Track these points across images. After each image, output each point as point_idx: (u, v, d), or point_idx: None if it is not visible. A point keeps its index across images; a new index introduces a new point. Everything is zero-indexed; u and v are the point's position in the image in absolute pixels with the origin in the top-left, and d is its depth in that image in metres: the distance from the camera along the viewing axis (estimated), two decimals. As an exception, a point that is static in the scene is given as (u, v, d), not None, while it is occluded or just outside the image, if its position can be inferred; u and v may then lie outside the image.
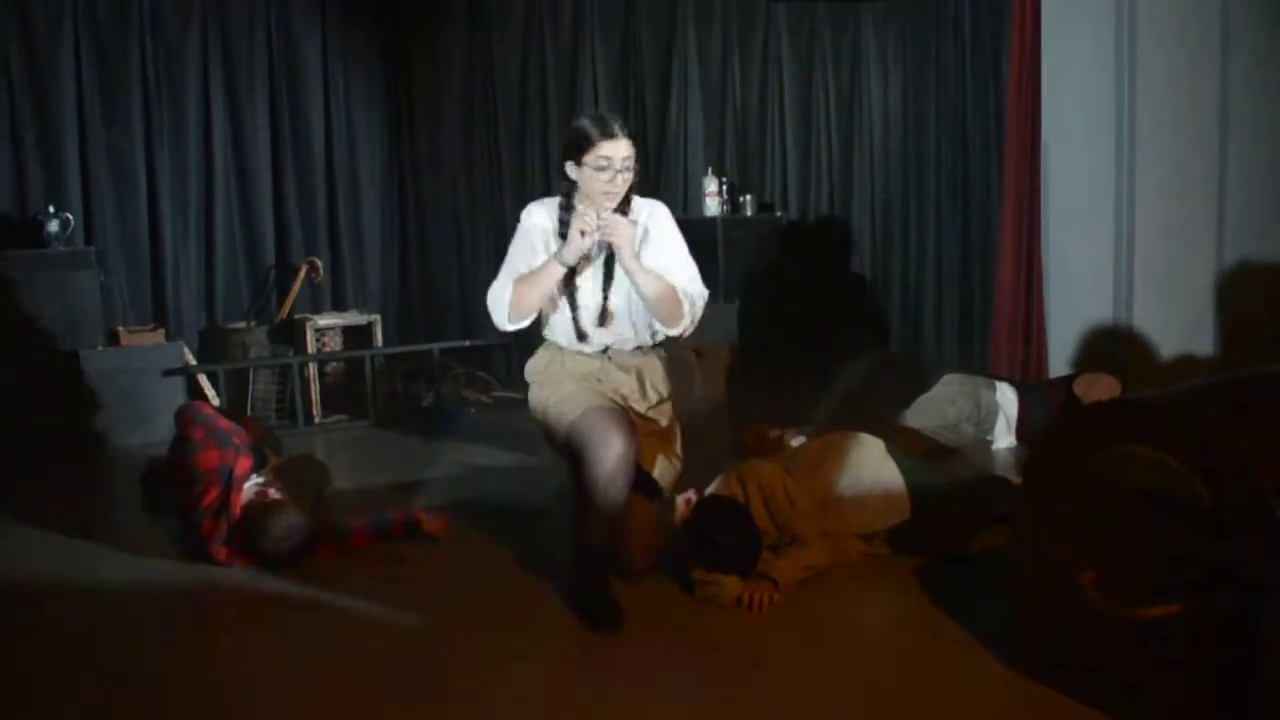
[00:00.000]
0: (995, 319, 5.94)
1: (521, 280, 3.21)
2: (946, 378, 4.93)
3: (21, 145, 5.80)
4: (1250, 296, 5.32)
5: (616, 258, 3.18)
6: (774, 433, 4.53)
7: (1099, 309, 5.38)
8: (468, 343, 6.38)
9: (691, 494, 3.38)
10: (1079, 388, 4.79)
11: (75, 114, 5.91)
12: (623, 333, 3.30)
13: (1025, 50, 5.67)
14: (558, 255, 3.15)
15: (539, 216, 3.30)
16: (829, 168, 7.71)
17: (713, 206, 6.75)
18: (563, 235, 3.21)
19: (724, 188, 6.79)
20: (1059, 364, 5.63)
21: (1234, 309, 5.33)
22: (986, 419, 4.79)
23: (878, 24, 7.61)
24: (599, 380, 3.28)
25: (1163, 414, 2.37)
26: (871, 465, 3.46)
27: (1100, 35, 5.27)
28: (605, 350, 3.31)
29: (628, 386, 3.29)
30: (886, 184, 7.66)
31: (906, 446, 3.77)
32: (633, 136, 3.19)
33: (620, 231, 3.10)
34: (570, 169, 3.21)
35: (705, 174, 6.90)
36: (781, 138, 7.61)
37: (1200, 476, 2.23)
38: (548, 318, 3.33)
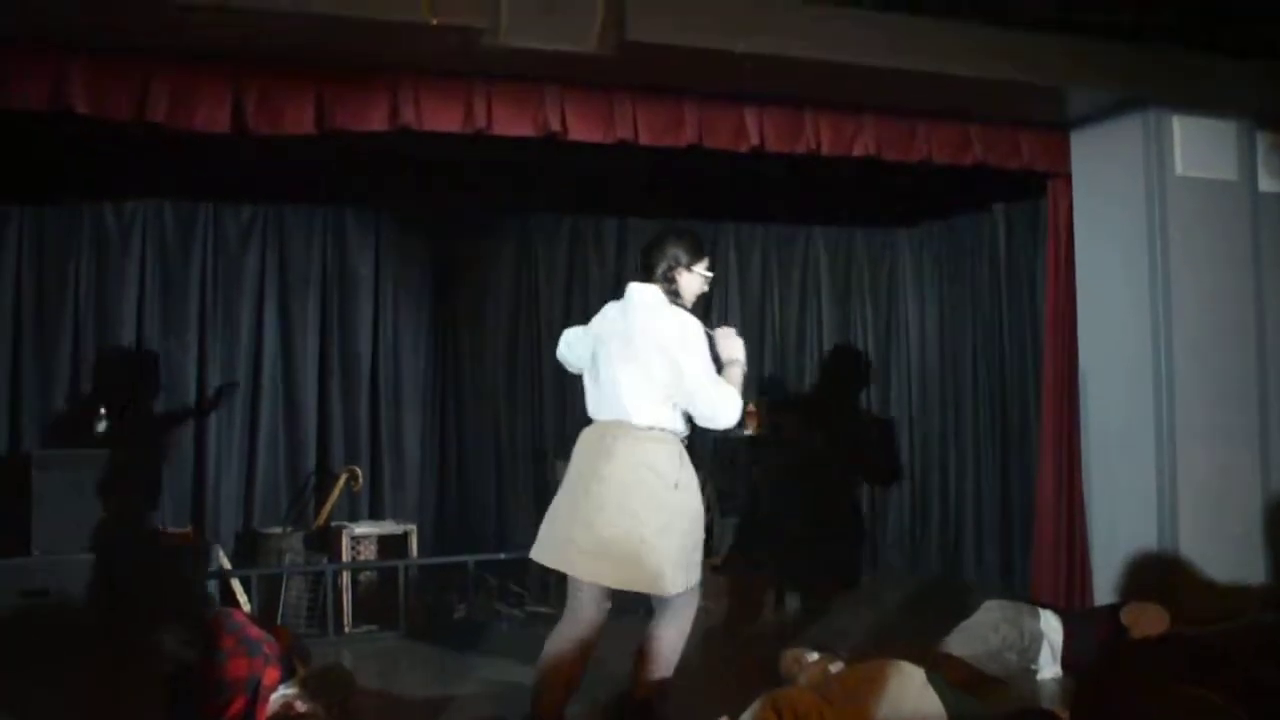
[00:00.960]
0: (1036, 543, 5.86)
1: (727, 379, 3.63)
2: (988, 604, 4.83)
3: (80, 343, 6.05)
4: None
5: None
6: (812, 657, 4.42)
7: (1144, 534, 5.31)
8: (502, 556, 6.36)
9: None
10: (1126, 617, 4.67)
11: (134, 321, 6.21)
12: None
13: (1060, 274, 5.83)
14: (737, 361, 3.70)
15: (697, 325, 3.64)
16: (865, 390, 7.81)
17: (750, 428, 6.82)
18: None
19: (760, 410, 6.87)
20: (1104, 591, 5.52)
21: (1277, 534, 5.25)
22: (1030, 647, 4.66)
23: (914, 248, 7.85)
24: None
25: (1219, 657, 2.31)
26: (912, 695, 3.37)
27: (1133, 257, 5.41)
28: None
29: None
30: (924, 409, 7.72)
31: (948, 675, 3.67)
32: None
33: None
34: (683, 276, 3.73)
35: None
36: (818, 361, 7.76)
37: (1251, 717, 2.16)
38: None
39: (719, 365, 3.71)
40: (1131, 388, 5.43)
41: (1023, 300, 6.89)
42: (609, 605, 3.72)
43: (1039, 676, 4.66)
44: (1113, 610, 4.81)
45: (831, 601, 6.64)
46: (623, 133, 4.92)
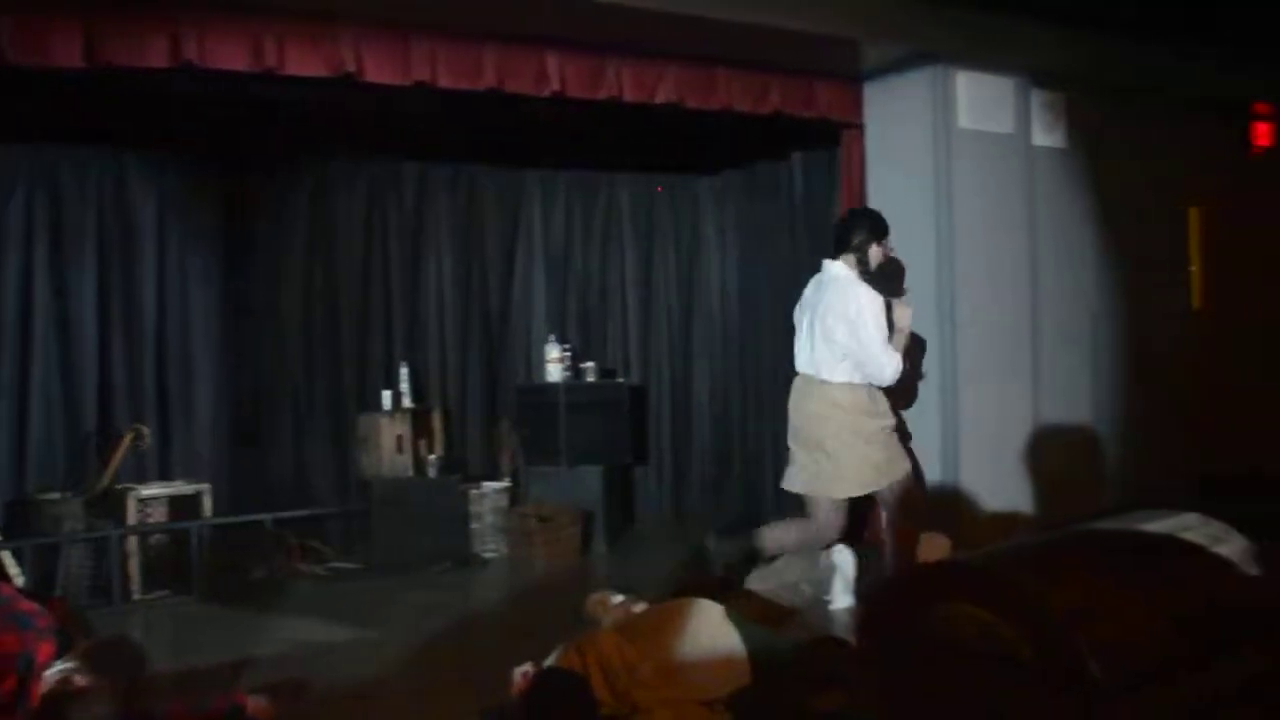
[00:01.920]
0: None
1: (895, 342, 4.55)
2: (786, 541, 5.01)
3: None
4: (1055, 452, 5.67)
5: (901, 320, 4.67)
6: (617, 599, 4.49)
7: (931, 469, 5.60)
8: (303, 512, 6.20)
9: (529, 666, 3.32)
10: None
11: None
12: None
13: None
14: (904, 330, 4.62)
15: (874, 298, 4.54)
16: (670, 336, 7.94)
17: (555, 373, 6.83)
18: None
19: (566, 355, 6.90)
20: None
21: (1045, 464, 5.66)
22: (824, 580, 4.88)
23: (715, 196, 7.98)
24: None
25: (985, 575, 2.47)
26: (710, 630, 3.47)
27: (920, 205, 5.66)
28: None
29: None
30: (725, 355, 7.91)
31: (745, 610, 3.80)
32: None
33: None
34: (873, 245, 4.63)
35: (548, 341, 7.01)
36: (623, 306, 7.83)
37: (1022, 635, 2.32)
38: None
39: (893, 329, 4.58)
40: (919, 330, 5.68)
41: (819, 248, 7.03)
42: (844, 512, 4.70)
43: (833, 607, 4.88)
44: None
45: (636, 544, 6.79)
46: (420, 75, 4.80)
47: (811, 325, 4.66)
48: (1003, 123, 5.77)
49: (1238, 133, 7.19)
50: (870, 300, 4.53)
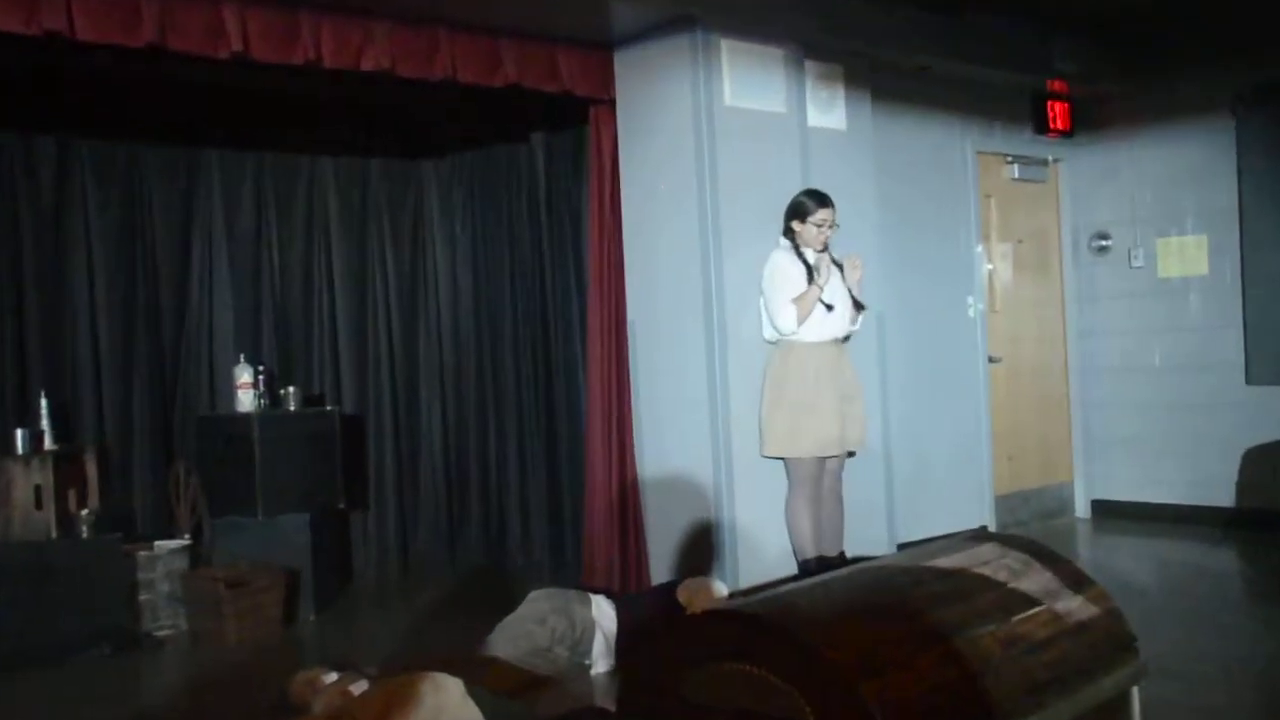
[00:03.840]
0: (587, 522, 6.21)
1: (798, 300, 5.56)
2: (533, 594, 5.02)
3: None
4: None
5: (850, 281, 5.77)
6: (330, 678, 4.37)
7: (699, 507, 5.76)
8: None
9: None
10: (681, 595, 5.05)
11: None
12: (844, 327, 5.74)
13: (604, 212, 6.21)
14: (816, 284, 5.57)
15: (785, 261, 5.65)
16: (391, 351, 7.82)
17: (246, 401, 6.59)
18: (807, 269, 5.62)
19: (260, 379, 6.66)
20: (660, 570, 5.95)
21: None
22: (583, 639, 4.90)
23: (441, 183, 7.94)
24: (836, 366, 5.67)
25: (759, 628, 2.56)
26: (450, 711, 3.44)
27: (682, 192, 5.83)
28: (844, 339, 5.78)
29: (849, 368, 5.76)
30: (459, 368, 7.87)
31: (491, 682, 3.79)
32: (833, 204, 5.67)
33: (861, 267, 5.85)
34: (796, 225, 5.67)
35: (237, 363, 6.75)
36: (331, 317, 7.65)
37: (802, 691, 2.41)
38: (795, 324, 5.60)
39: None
40: (683, 340, 5.86)
41: (566, 241, 7.18)
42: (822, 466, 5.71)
43: (593, 672, 4.93)
44: (669, 589, 5.19)
45: (353, 607, 6.64)
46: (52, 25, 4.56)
47: None
48: (773, 100, 6.00)
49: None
50: (774, 262, 5.68)
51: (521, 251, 7.50)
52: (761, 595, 2.89)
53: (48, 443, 6.21)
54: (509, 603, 5.08)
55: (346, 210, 7.75)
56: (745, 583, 5.52)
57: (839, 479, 5.81)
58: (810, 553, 5.62)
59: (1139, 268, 7.92)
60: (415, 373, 7.94)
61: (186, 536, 6.52)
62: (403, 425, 7.86)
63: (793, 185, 5.83)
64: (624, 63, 6.07)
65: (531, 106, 6.40)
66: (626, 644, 4.89)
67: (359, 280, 7.77)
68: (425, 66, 5.47)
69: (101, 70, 5.58)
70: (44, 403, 6.29)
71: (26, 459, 6.00)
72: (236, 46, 4.95)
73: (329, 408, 7.10)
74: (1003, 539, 3.46)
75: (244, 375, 6.63)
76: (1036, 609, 3.00)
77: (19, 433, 6.09)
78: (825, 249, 5.67)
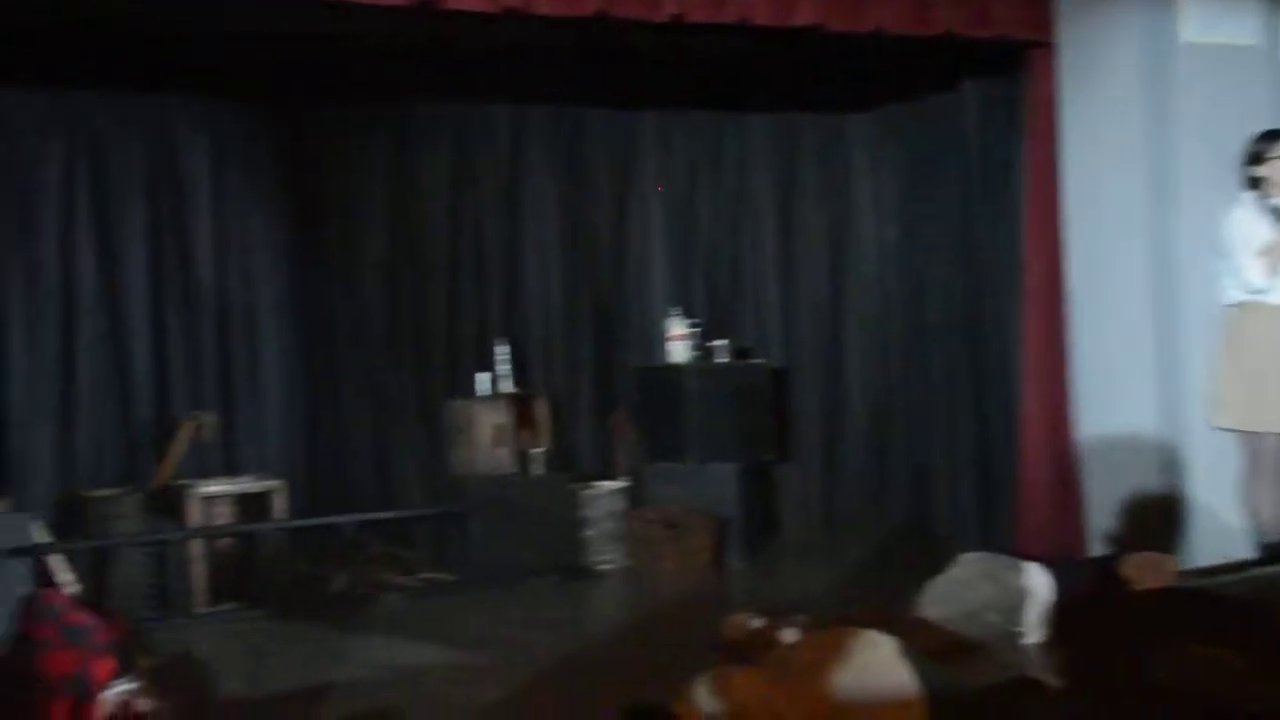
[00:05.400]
0: (1021, 487, 5.98)
1: (1267, 252, 5.04)
2: (964, 558, 4.90)
3: None
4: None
5: None
6: (760, 624, 4.45)
7: (1146, 474, 5.44)
8: (388, 515, 6.30)
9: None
10: (1128, 569, 4.77)
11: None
12: None
13: (1042, 167, 5.90)
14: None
15: (1249, 215, 5.15)
16: (817, 306, 7.82)
17: (680, 352, 6.79)
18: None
19: (693, 331, 6.85)
20: (1097, 541, 5.68)
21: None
22: (1015, 607, 4.73)
23: (868, 139, 7.83)
24: None
25: (1235, 609, 2.35)
26: (881, 669, 3.39)
27: (1131, 143, 5.52)
28: None
29: None
30: (885, 329, 7.76)
31: (921, 644, 3.71)
32: None
33: None
34: (1259, 171, 5.16)
35: (670, 315, 6.97)
36: (760, 273, 7.74)
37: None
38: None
39: None
40: (1129, 303, 5.54)
41: (997, 194, 6.86)
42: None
43: (1025, 640, 4.75)
44: (1109, 561, 4.92)
45: (779, 557, 6.73)
46: (510, 1, 4.80)
47: None
48: (1241, 31, 5.53)
49: None
50: (1235, 217, 5.20)
51: (950, 204, 7.28)
52: (1231, 578, 2.66)
53: (505, 386, 6.70)
54: (935, 565, 4.98)
55: (776, 166, 7.80)
56: (1197, 563, 5.16)
57: None
58: (1275, 536, 5.10)
59: None
60: (842, 329, 7.89)
61: (624, 479, 6.83)
62: (830, 380, 7.83)
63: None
64: (1066, 1, 5.74)
65: (963, 54, 6.18)
66: (1063, 616, 4.68)
67: (785, 236, 7.81)
68: (854, 19, 5.38)
69: (550, 39, 5.83)
70: (503, 351, 6.77)
71: (488, 401, 6.53)
72: (673, 10, 5.06)
73: (758, 360, 7.21)
74: None
75: (677, 328, 6.85)
76: None
77: (481, 377, 6.62)
78: None
